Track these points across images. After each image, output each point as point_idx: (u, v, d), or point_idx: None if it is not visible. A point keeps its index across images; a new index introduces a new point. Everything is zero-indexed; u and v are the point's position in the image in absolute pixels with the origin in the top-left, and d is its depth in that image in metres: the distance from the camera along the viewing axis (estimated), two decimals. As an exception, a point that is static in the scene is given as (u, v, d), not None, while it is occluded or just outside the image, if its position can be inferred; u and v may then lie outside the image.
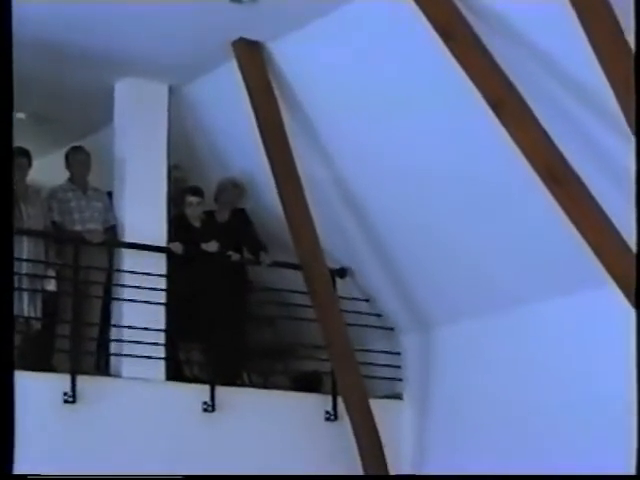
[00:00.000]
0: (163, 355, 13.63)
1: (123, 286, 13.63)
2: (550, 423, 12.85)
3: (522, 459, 12.84)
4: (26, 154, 13.73)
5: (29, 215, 13.53)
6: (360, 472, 13.91)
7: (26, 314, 13.32)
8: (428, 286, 14.24)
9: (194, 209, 14.51)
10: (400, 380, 15.01)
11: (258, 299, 15.15)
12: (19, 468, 10.87)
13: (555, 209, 11.10)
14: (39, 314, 13.51)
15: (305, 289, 14.23)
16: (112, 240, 14.05)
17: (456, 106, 11.79)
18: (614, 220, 10.93)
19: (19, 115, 14.59)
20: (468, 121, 11.86)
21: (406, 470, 14.28)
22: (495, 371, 13.55)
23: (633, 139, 9.75)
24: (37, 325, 13.56)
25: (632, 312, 10.70)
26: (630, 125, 9.85)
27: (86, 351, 13.73)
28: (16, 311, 13.12)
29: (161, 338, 13.58)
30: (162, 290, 13.70)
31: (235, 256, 14.45)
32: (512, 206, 12.43)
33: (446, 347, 14.38)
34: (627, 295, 10.88)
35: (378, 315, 15.12)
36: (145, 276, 13.40)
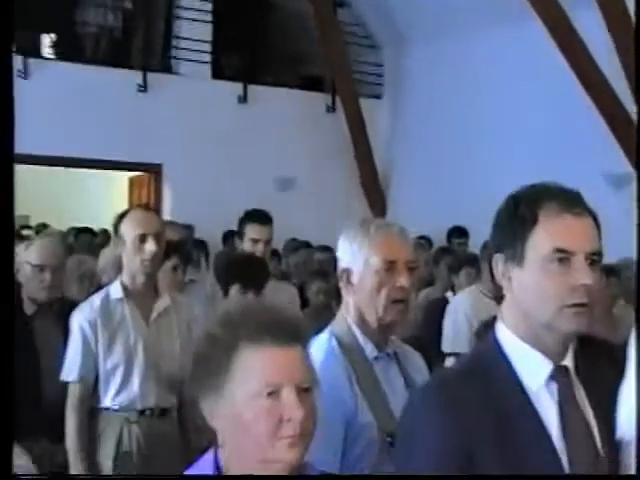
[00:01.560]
0: (209, 59, 13.73)
1: (182, 8, 13.51)
2: (493, 127, 12.79)
3: (465, 143, 13.02)
4: None
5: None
6: (351, 151, 14.24)
7: (110, 24, 13.44)
8: (407, 11, 13.90)
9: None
10: (381, 85, 15.13)
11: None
12: (100, 142, 11.02)
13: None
14: (120, 24, 13.54)
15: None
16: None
17: None
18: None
19: None
20: None
21: (382, 152, 14.69)
22: (453, 85, 13.41)
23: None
24: (118, 34, 13.58)
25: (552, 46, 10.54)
26: None
27: (155, 53, 13.70)
28: (102, 22, 13.31)
29: (208, 48, 13.62)
30: (209, 12, 13.63)
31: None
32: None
33: (417, 61, 14.25)
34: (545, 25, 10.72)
35: (367, 37, 15.09)
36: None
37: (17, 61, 12.22)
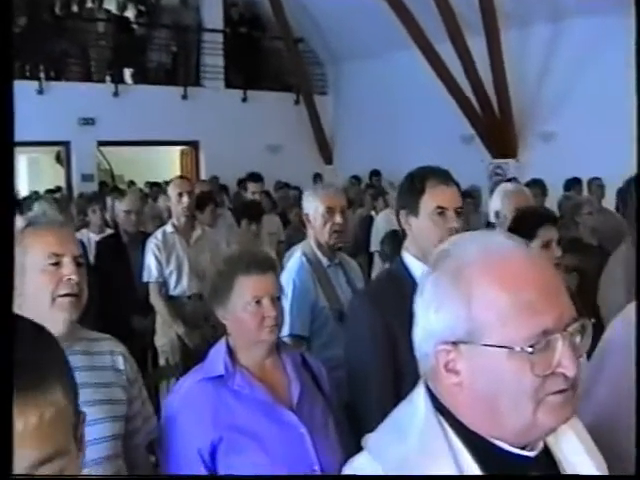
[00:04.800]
0: (223, 77, 13.44)
1: (206, 48, 13.15)
2: (398, 111, 12.25)
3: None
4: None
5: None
6: (310, 127, 14.09)
7: (164, 60, 13.10)
8: (341, 41, 13.44)
9: None
10: (326, 87, 14.73)
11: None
12: (162, 130, 10.88)
13: None
14: (170, 60, 13.16)
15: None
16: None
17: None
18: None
19: None
20: None
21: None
22: (372, 85, 12.96)
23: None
24: (169, 65, 13.16)
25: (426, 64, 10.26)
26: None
27: (190, 75, 13.23)
28: (159, 59, 13.02)
29: (222, 70, 13.32)
30: (222, 49, 13.30)
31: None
32: None
33: (348, 72, 13.82)
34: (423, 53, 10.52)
35: (316, 58, 14.68)
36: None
37: (111, 86, 12.22)
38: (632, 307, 1.51)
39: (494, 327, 0.98)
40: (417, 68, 10.84)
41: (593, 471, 1.12)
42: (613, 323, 1.50)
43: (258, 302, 2.04)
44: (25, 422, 0.72)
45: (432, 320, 1.03)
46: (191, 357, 4.14)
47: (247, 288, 2.05)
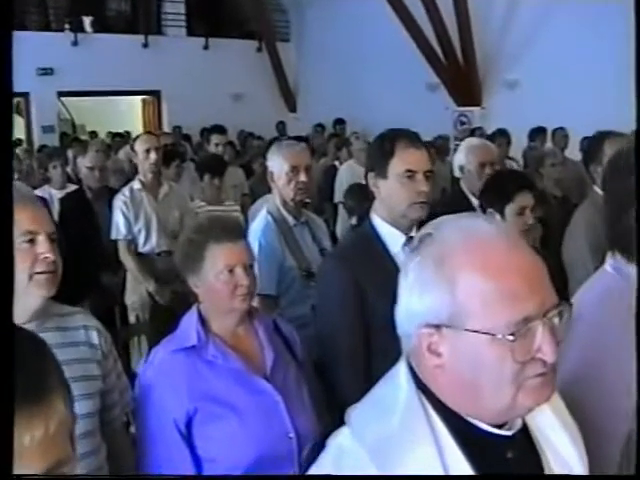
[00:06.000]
0: (184, 24, 13.12)
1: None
2: (361, 56, 11.96)
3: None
4: None
5: None
6: (273, 74, 13.81)
7: (124, 8, 12.73)
8: None
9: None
10: (289, 34, 14.42)
11: None
12: (124, 79, 10.60)
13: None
14: (129, 8, 12.81)
15: None
16: None
17: None
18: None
19: None
20: None
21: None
22: (333, 32, 12.53)
23: None
24: (129, 14, 12.89)
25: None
26: None
27: (151, 23, 12.97)
28: (119, 7, 12.68)
29: (184, 17, 13.01)
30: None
31: None
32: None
33: (309, 18, 13.48)
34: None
35: (279, 5, 14.31)
36: None
37: (70, 35, 12.04)
38: (598, 279, 1.52)
39: (477, 313, 0.99)
40: (381, 14, 10.66)
41: (568, 444, 1.15)
42: (579, 298, 1.50)
43: (231, 271, 2.00)
44: (31, 436, 0.73)
45: (415, 303, 1.04)
46: (162, 314, 4.12)
47: (219, 257, 2.00)
